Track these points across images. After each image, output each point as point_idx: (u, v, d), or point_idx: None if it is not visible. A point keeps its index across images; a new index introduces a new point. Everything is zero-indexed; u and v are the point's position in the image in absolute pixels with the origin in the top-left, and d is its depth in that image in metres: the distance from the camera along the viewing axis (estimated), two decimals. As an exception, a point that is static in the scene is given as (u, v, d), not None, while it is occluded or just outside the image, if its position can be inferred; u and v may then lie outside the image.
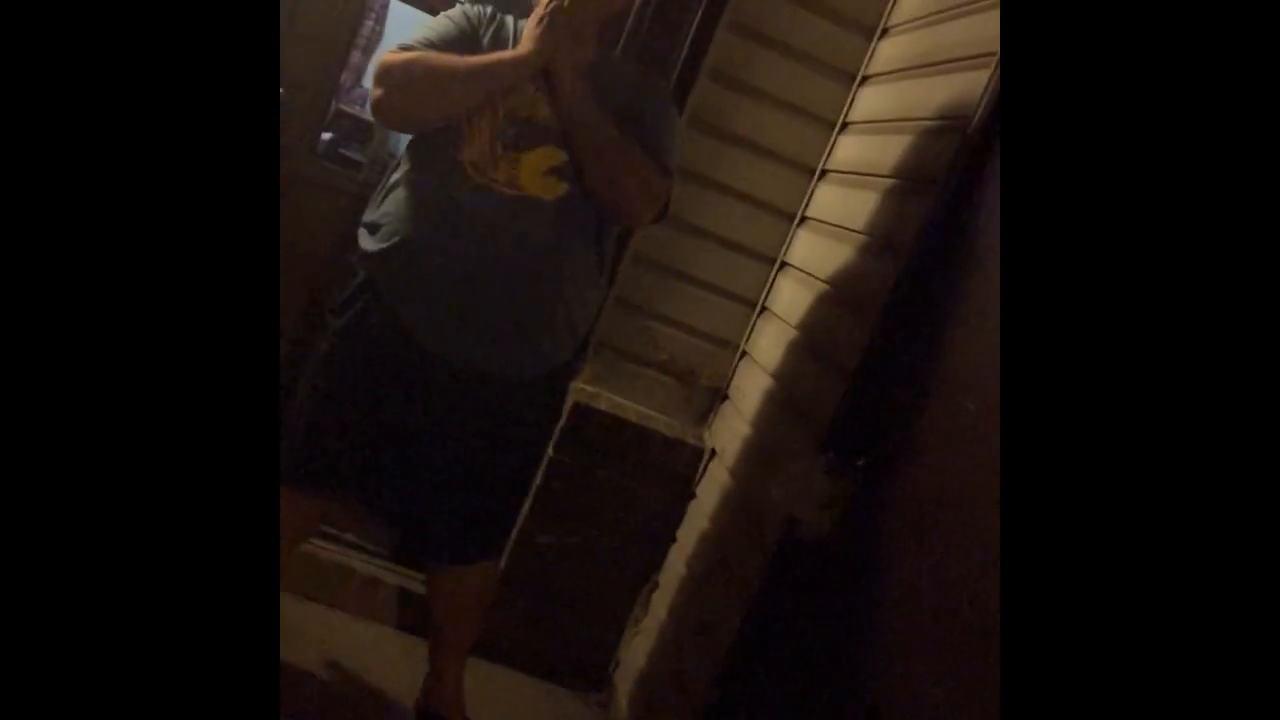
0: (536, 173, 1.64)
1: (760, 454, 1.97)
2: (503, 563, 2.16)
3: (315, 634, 2.15)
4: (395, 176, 1.74)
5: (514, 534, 2.21)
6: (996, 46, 1.47)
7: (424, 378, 1.69)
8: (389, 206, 1.71)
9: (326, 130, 2.70)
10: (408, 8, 2.82)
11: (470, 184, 1.63)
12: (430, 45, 1.68)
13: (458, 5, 1.78)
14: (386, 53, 1.69)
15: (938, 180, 1.55)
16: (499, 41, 1.70)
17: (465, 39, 1.70)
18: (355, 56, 3.55)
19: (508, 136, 1.64)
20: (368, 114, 2.65)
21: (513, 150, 1.64)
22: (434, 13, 1.82)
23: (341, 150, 2.93)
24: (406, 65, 1.63)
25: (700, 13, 2.11)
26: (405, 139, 1.80)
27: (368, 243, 1.71)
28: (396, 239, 1.67)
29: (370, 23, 3.61)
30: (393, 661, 2.16)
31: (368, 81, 3.14)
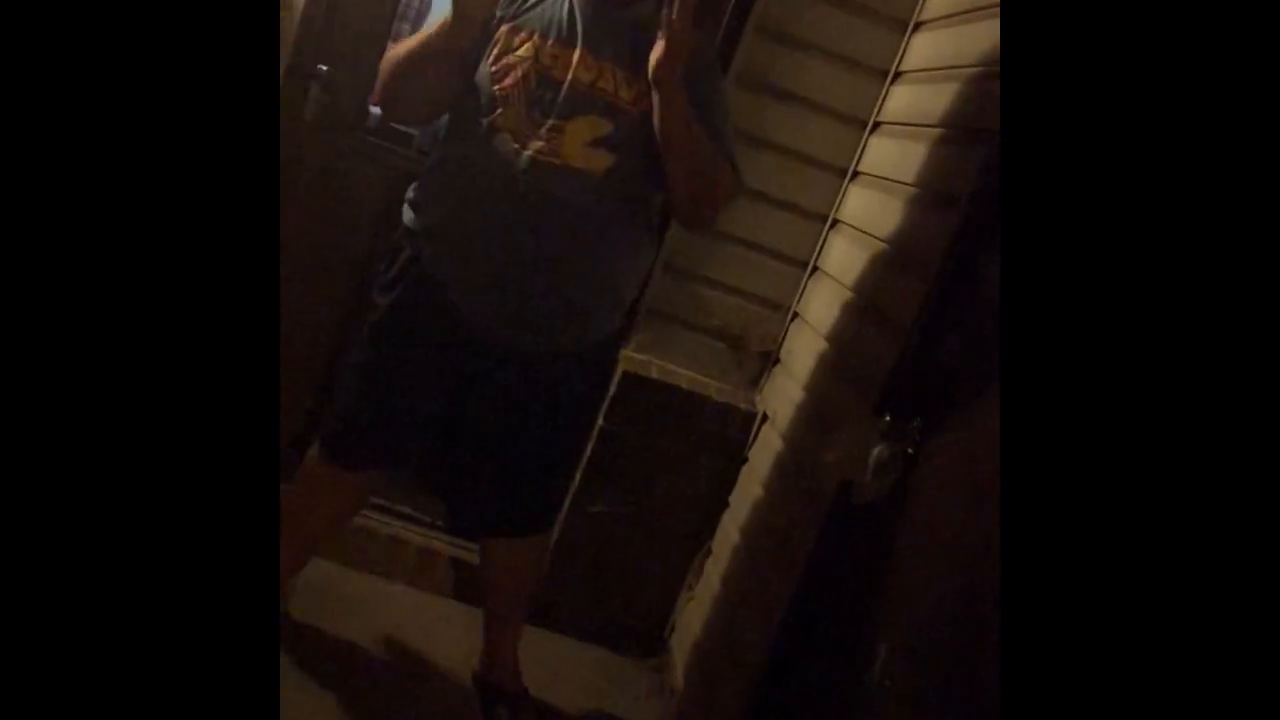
0: (580, 143, 1.59)
1: (813, 417, 1.92)
2: (556, 532, 2.16)
3: (373, 605, 2.18)
4: (437, 152, 1.72)
5: (567, 503, 2.20)
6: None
7: (470, 353, 1.68)
8: (431, 181, 1.69)
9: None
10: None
11: (512, 154, 1.59)
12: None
13: None
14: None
15: (993, 128, 1.47)
16: (526, 5, 1.64)
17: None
18: (404, 29, 3.53)
19: (545, 102, 1.59)
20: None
21: (555, 118, 1.58)
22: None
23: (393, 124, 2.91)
24: (382, 65, 1.65)
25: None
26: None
27: (411, 219, 1.70)
28: (440, 214, 1.65)
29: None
30: (449, 631, 2.18)
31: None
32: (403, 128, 2.20)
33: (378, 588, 2.24)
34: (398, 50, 1.63)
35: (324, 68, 2.11)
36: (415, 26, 3.51)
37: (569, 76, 1.58)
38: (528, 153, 1.58)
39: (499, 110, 1.59)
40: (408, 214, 1.71)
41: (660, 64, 1.50)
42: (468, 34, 1.56)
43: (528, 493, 1.84)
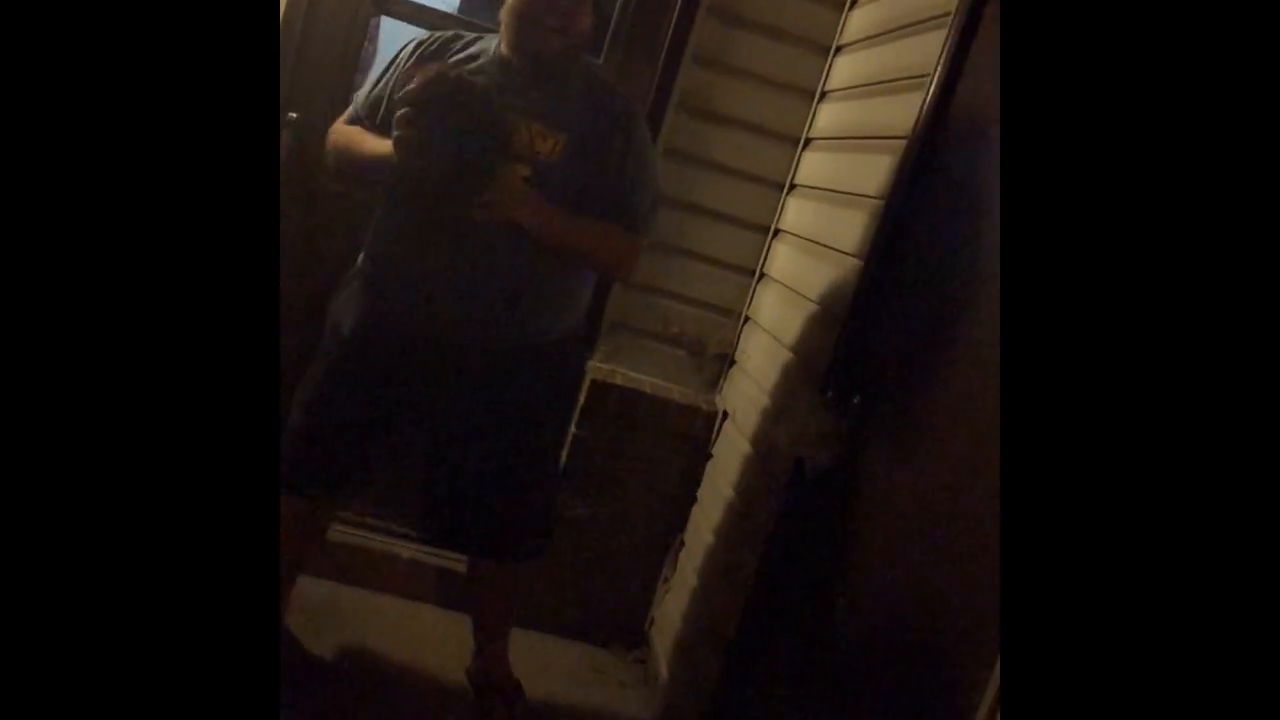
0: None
1: (769, 410, 2.09)
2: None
3: (365, 617, 2.29)
4: (381, 200, 1.82)
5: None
6: (949, 10, 1.59)
7: (427, 363, 1.76)
8: (379, 223, 1.81)
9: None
10: (398, 24, 2.94)
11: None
12: (355, 117, 1.82)
13: (416, 39, 1.82)
14: (337, 121, 1.85)
15: (907, 136, 1.66)
16: (464, 64, 1.73)
17: (379, 102, 1.76)
18: (356, 78, 3.68)
19: None
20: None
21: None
22: (430, 28, 1.95)
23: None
24: (330, 140, 1.83)
25: (681, 1, 2.24)
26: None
27: (364, 259, 1.82)
28: (388, 249, 1.77)
29: (366, 44, 3.75)
30: (439, 638, 2.29)
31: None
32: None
33: (368, 600, 2.36)
34: (349, 148, 1.77)
35: (293, 115, 2.26)
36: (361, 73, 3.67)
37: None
38: None
39: None
40: (363, 260, 1.82)
41: (517, 218, 1.65)
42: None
43: (518, 511, 1.91)
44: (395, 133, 1.57)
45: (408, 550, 2.43)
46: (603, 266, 1.87)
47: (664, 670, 2.27)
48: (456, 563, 2.37)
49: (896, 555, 1.40)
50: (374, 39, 3.85)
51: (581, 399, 2.30)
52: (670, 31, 2.26)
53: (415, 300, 1.75)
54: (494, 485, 1.86)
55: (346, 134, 1.80)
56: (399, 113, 1.56)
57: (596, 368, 2.35)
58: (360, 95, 1.84)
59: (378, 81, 1.80)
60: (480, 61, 1.74)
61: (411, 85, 1.56)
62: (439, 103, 1.54)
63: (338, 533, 2.32)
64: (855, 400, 1.56)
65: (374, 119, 1.77)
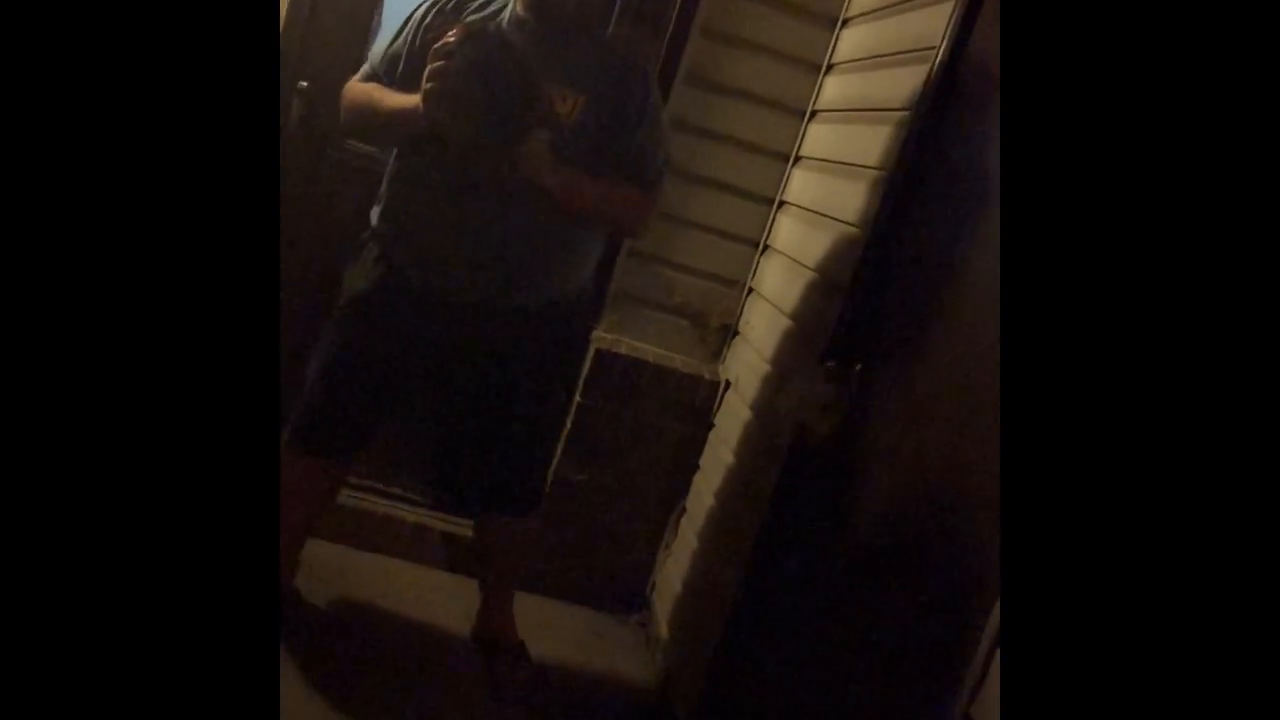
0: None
1: (771, 379, 2.12)
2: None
3: (372, 580, 2.34)
4: (394, 161, 1.85)
5: (551, 474, 2.38)
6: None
7: (439, 324, 1.80)
8: (393, 188, 1.84)
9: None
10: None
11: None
12: (371, 73, 1.82)
13: None
14: (351, 79, 1.84)
15: (911, 110, 1.68)
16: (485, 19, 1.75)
17: (398, 57, 1.76)
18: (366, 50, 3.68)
19: None
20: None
21: None
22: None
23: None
24: (345, 99, 1.82)
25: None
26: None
27: (380, 223, 1.84)
28: (405, 213, 1.80)
29: (375, 16, 3.74)
30: (444, 600, 2.34)
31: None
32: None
33: (376, 563, 2.41)
34: (367, 104, 1.76)
35: (304, 84, 2.28)
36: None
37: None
38: None
39: None
40: (377, 219, 1.85)
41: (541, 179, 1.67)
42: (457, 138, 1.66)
43: (519, 474, 1.97)
44: (426, 84, 1.55)
45: (414, 515, 2.48)
46: (618, 226, 1.92)
47: (664, 633, 2.32)
48: (462, 528, 2.42)
49: (894, 519, 1.44)
50: (379, 9, 3.86)
51: (586, 368, 2.34)
52: (678, 4, 2.27)
53: (431, 258, 1.78)
54: (501, 442, 1.91)
55: (365, 90, 1.80)
56: (433, 64, 1.54)
57: (601, 337, 2.38)
58: (376, 52, 1.84)
59: (395, 39, 1.81)
60: (496, 22, 1.75)
61: (446, 38, 1.54)
62: (473, 56, 1.52)
63: (345, 497, 2.36)
64: (856, 369, 1.59)
65: (393, 75, 1.77)
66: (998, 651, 1.06)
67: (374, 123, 1.80)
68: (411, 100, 1.62)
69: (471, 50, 1.53)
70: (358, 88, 1.83)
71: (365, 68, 1.85)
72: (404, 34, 1.80)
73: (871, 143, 1.89)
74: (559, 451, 2.38)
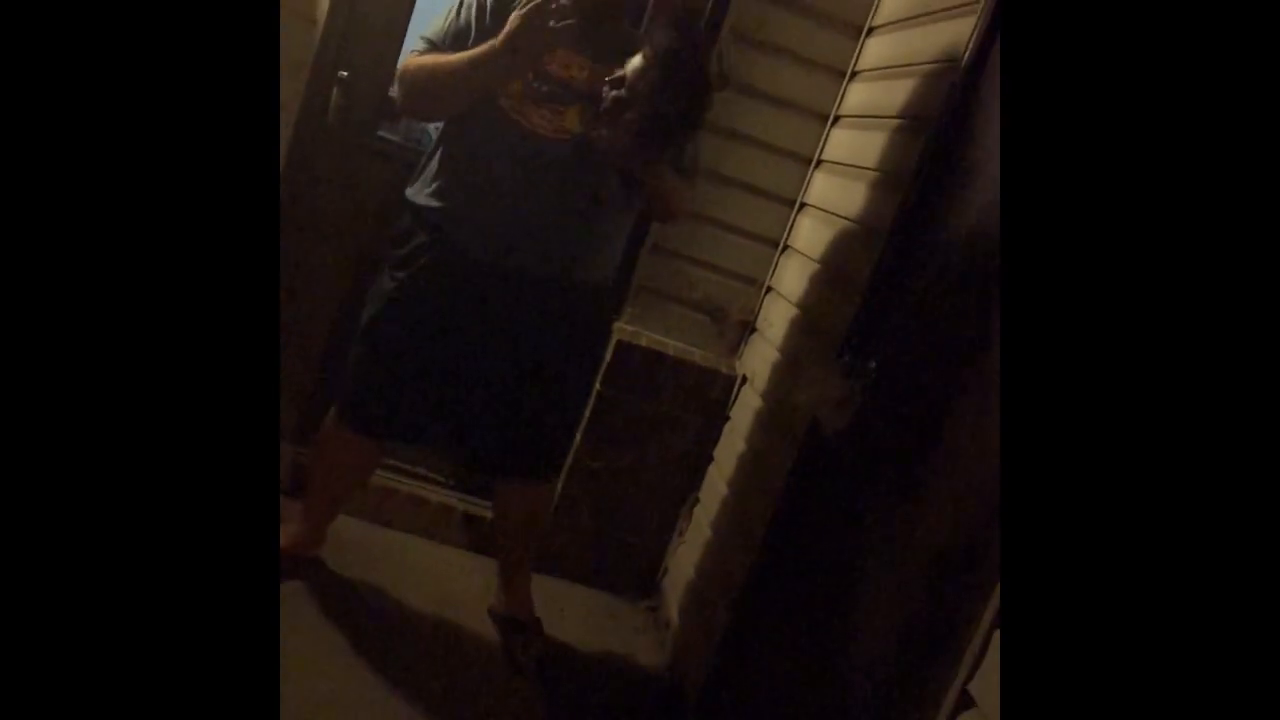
0: (575, 123, 1.82)
1: (787, 375, 2.19)
2: (559, 487, 2.42)
3: (396, 557, 2.41)
4: (440, 144, 1.92)
5: (570, 461, 2.46)
6: (980, -5, 1.67)
7: (482, 291, 1.87)
8: (444, 171, 1.89)
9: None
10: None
11: (512, 125, 1.81)
12: (430, 45, 1.85)
13: None
14: (407, 57, 1.88)
15: (933, 118, 1.75)
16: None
17: (466, 31, 1.82)
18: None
19: (541, 93, 1.80)
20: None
21: (550, 104, 1.81)
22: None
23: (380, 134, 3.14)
24: (408, 72, 1.84)
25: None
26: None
27: (420, 195, 1.90)
28: (460, 195, 1.86)
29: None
30: (464, 577, 2.42)
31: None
32: (386, 135, 2.44)
33: (399, 540, 2.48)
34: (437, 67, 1.80)
35: (344, 74, 2.35)
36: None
37: (567, 74, 1.81)
38: (530, 126, 1.81)
39: (505, 102, 1.81)
40: (427, 202, 1.89)
41: (513, 33, 1.71)
42: (525, 72, 1.77)
43: (543, 441, 2.06)
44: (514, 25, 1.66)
45: (437, 494, 2.56)
46: (666, 210, 2.02)
47: (675, 618, 2.40)
48: (482, 509, 2.50)
49: (912, 515, 1.50)
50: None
51: (607, 357, 2.41)
52: (709, 6, 2.34)
53: (498, 235, 1.84)
54: (529, 408, 1.99)
55: (432, 57, 1.82)
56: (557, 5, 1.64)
57: (622, 329, 2.45)
58: (434, 31, 1.86)
59: (455, 17, 1.85)
60: None
61: None
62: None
63: (373, 476, 2.44)
64: (871, 366, 1.66)
65: (460, 50, 1.80)
66: (997, 631, 1.13)
67: (447, 79, 1.79)
68: (482, 52, 1.71)
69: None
70: (419, 59, 1.84)
71: (422, 44, 1.87)
72: (462, 12, 1.84)
73: (893, 149, 1.95)
74: (578, 438, 2.45)
